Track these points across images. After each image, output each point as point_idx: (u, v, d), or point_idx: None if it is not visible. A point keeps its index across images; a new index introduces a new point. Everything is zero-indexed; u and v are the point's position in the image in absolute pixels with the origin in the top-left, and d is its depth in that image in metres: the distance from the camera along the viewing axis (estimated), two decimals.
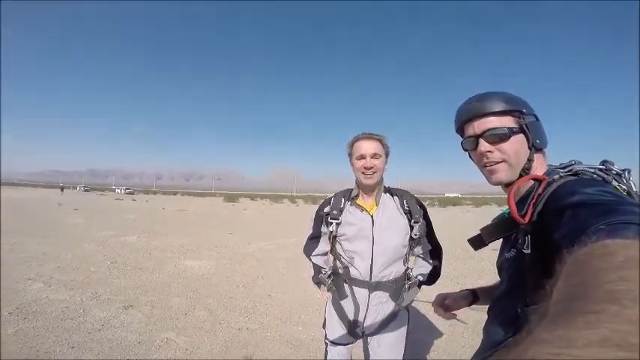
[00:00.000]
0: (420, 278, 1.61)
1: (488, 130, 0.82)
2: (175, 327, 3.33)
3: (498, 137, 0.81)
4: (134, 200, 37.39)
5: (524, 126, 0.81)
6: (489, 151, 0.83)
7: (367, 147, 1.52)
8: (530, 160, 0.81)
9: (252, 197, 62.44)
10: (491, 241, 0.89)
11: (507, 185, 0.84)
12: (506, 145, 0.81)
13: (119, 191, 74.08)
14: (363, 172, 1.52)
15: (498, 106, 0.82)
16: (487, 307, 0.94)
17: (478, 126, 0.84)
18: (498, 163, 0.83)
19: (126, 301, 3.95)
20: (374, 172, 1.51)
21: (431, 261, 1.62)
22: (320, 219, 1.68)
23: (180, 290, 4.56)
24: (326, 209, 1.65)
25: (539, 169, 0.82)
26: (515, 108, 0.81)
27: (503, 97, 0.83)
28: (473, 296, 1.13)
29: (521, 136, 0.81)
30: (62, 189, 61.35)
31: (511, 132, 0.80)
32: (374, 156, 1.51)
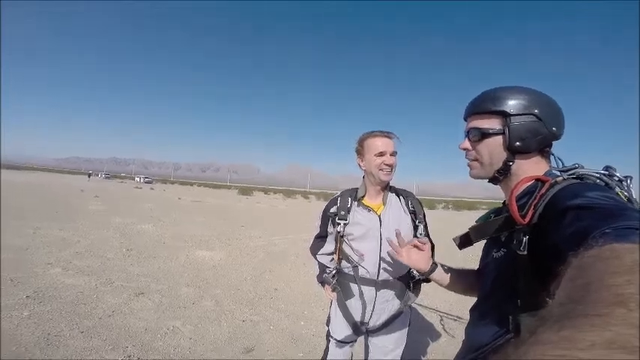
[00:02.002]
0: (421, 277, 1.65)
1: (470, 129, 0.87)
2: (182, 316, 3.42)
3: (477, 137, 0.85)
4: (152, 189, 38.49)
5: (505, 128, 0.80)
6: (467, 149, 0.89)
7: (387, 144, 1.55)
8: (508, 161, 0.81)
9: (266, 191, 63.09)
10: (478, 241, 0.90)
11: (491, 181, 0.87)
12: (480, 146, 0.85)
13: (138, 180, 76.46)
14: (381, 169, 1.54)
15: (484, 107, 0.84)
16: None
17: (467, 124, 0.89)
18: (473, 161, 0.88)
19: (138, 289, 4.07)
20: (392, 170, 1.55)
21: None
22: (327, 219, 1.68)
23: (190, 280, 4.68)
24: (332, 209, 1.65)
25: (531, 170, 0.80)
26: (499, 109, 0.80)
27: (492, 97, 0.82)
28: (433, 265, 1.12)
29: (500, 137, 0.81)
30: (89, 175, 65.83)
31: (485, 134, 0.83)
32: (393, 153, 1.55)
